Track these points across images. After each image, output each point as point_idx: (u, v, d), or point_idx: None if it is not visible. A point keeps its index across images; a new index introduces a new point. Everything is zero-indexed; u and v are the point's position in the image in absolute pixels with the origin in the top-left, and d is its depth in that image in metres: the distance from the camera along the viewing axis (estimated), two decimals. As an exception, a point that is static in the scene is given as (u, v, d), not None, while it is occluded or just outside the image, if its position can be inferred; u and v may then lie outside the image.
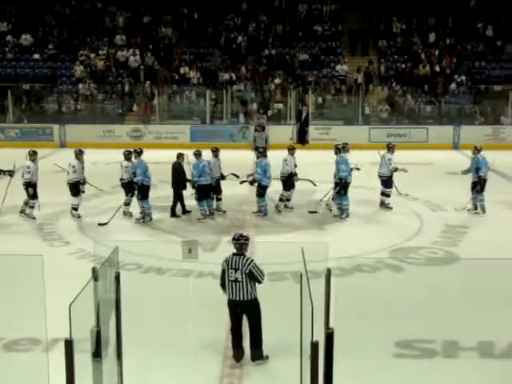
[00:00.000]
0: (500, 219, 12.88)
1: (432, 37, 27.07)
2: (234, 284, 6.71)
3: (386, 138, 22.46)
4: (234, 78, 25.22)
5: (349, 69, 25.98)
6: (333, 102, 24.88)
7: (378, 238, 11.61)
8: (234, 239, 6.91)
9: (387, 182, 13.43)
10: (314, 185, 13.84)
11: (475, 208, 13.12)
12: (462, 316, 7.57)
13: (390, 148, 13.54)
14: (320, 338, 4.43)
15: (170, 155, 13.10)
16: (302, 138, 22.84)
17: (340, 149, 12.88)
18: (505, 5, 27.68)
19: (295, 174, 13.30)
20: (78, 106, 24.95)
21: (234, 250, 6.84)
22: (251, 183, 12.89)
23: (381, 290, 8.45)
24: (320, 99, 24.67)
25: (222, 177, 13.21)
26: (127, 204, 12.91)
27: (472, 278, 8.14)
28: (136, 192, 12.48)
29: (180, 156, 13.01)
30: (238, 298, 6.73)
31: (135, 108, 24.87)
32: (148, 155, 13.21)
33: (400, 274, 9.44)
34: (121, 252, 5.60)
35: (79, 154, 12.97)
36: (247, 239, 6.90)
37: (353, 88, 24.68)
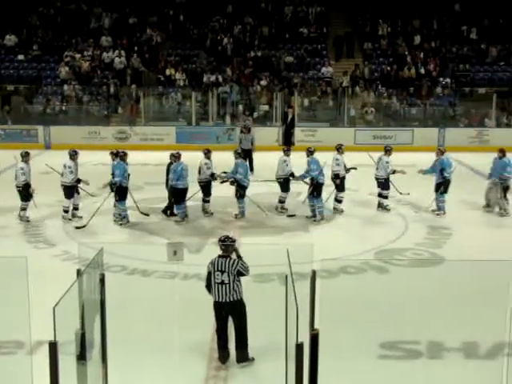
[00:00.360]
0: (484, 221, 12.98)
1: (417, 39, 27.21)
2: (220, 286, 6.71)
3: (371, 139, 22.60)
4: (219, 79, 25.20)
5: (334, 71, 26.04)
6: (318, 104, 24.92)
7: (362, 239, 11.65)
8: (220, 241, 6.91)
9: (384, 184, 13.45)
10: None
11: (438, 209, 13.24)
12: (447, 317, 7.62)
13: (388, 151, 13.57)
14: (305, 339, 4.44)
15: (156, 157, 13.08)
16: (287, 140, 22.85)
17: (312, 151, 12.97)
18: (488, 8, 27.91)
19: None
20: (63, 108, 24.81)
21: (220, 252, 6.84)
22: (232, 183, 12.86)
23: (366, 291, 8.48)
24: (306, 101, 24.71)
25: (213, 176, 13.12)
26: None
27: (456, 279, 8.19)
28: (114, 193, 12.37)
29: (173, 156, 12.98)
30: (224, 300, 6.73)
31: (120, 110, 24.76)
32: (134, 157, 13.18)
33: (385, 275, 9.47)
34: (106, 254, 5.58)
35: (74, 155, 12.75)
36: (233, 241, 6.91)
37: (338, 90, 24.75)
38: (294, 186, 13.59)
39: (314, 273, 4.56)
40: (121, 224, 12.35)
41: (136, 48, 26.67)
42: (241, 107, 24.45)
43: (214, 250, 10.68)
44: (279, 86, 24.92)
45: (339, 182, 13.23)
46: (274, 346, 6.08)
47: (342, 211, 13.37)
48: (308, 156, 12.86)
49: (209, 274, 6.83)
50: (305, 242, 10.17)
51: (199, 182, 13.09)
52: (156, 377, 6.51)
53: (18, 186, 12.48)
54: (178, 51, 27.24)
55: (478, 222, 12.94)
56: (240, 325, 6.80)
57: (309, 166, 12.77)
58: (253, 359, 6.82)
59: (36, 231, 12.10)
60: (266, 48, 26.86)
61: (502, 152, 13.40)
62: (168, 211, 12.94)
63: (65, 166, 12.66)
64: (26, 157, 12.68)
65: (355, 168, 13.54)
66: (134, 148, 19.65)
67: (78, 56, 26.20)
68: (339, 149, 13.44)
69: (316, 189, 12.65)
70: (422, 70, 25.72)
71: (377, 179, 13.53)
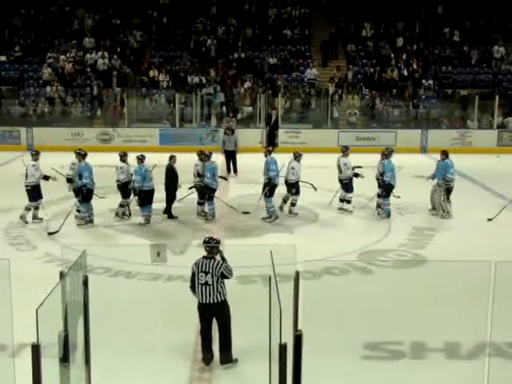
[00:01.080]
0: (466, 221, 13.07)
1: (400, 41, 27.38)
2: (204, 287, 6.71)
3: (354, 141, 22.68)
4: (203, 81, 25.19)
5: (320, 73, 26.13)
6: (302, 105, 24.99)
7: (346, 240, 11.69)
8: (204, 242, 6.92)
9: (346, 185, 13.43)
10: (315, 189, 13.77)
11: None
12: (430, 317, 7.67)
13: (344, 151, 13.58)
14: (289, 340, 4.45)
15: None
16: (271, 142, 22.89)
17: (271, 151, 13.03)
18: (470, 11, 28.19)
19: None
20: (46, 109, 24.67)
21: (205, 253, 6.84)
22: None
23: (349, 292, 8.51)
24: (289, 103, 24.77)
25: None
26: (122, 206, 12.89)
27: (439, 280, 8.24)
28: (80, 194, 12.32)
29: (172, 158, 13.02)
30: (208, 301, 6.73)
31: (104, 112, 24.65)
32: (117, 158, 13.14)
33: (368, 276, 9.51)
34: (89, 256, 5.56)
35: (83, 155, 12.65)
36: (217, 242, 6.91)
37: (322, 91, 24.83)
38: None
39: (297, 274, 4.57)
40: (84, 224, 12.31)
41: (118, 49, 26.59)
42: (224, 109, 24.44)
43: (198, 252, 10.68)
44: (263, 88, 24.96)
45: (346, 184, 13.34)
46: (258, 347, 6.08)
47: (351, 211, 13.42)
48: (266, 156, 12.92)
49: (193, 274, 6.83)
50: (288, 244, 10.19)
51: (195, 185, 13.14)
52: (140, 379, 6.49)
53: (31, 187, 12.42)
54: (161, 52, 27.20)
55: (460, 222, 13.03)
56: (224, 326, 6.81)
57: (266, 165, 12.81)
58: (236, 360, 6.83)
59: (17, 233, 12.01)
60: (249, 50, 26.89)
61: (445, 154, 13.25)
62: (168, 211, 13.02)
63: (30, 166, 12.49)
64: (36, 155, 12.69)
65: (360, 166, 13.54)
66: (118, 150, 19.54)
67: (60, 57, 26.06)
68: (344, 151, 13.52)
69: (270, 189, 12.69)
70: (405, 72, 25.87)
71: (339, 181, 13.46)
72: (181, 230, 12.43)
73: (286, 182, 13.02)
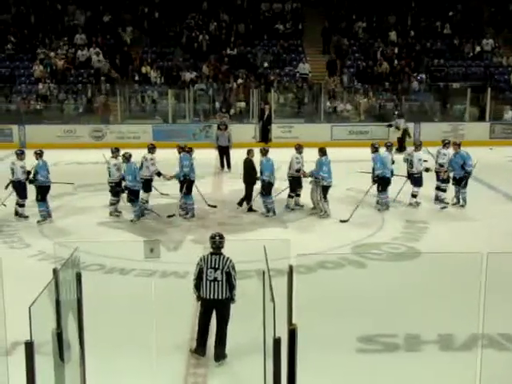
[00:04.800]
0: (459, 214, 13.11)
1: (392, 35, 27.37)
2: (212, 283, 6.73)
3: (347, 135, 22.70)
4: (196, 76, 25.13)
5: (314, 67, 26.14)
6: (295, 100, 24.97)
7: (340, 234, 11.70)
8: (211, 238, 6.93)
9: (417, 180, 13.41)
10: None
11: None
12: (423, 310, 7.70)
13: (417, 146, 13.68)
14: (283, 334, 4.46)
15: (133, 155, 12.95)
16: (264, 137, 22.88)
17: (266, 151, 12.93)
18: (461, 4, 28.27)
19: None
20: (38, 106, 24.57)
21: (211, 250, 6.86)
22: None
23: (343, 285, 8.54)
24: (282, 98, 24.75)
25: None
26: (113, 204, 12.92)
27: (432, 272, 8.28)
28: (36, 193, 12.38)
29: (250, 152, 13.09)
30: (215, 297, 6.75)
31: (96, 108, 24.57)
32: (110, 155, 13.11)
33: (362, 269, 9.54)
34: (83, 253, 5.55)
35: (117, 152, 12.94)
36: (222, 237, 6.95)
37: (314, 86, 24.82)
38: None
39: (291, 268, 4.58)
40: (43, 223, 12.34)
41: (105, 49, 26.46)
42: (217, 104, 24.41)
43: (192, 248, 10.73)
44: (255, 83, 24.93)
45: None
46: (253, 341, 6.10)
47: (419, 204, 13.47)
48: (262, 157, 12.87)
49: (200, 270, 6.83)
50: (282, 238, 10.20)
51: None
52: (135, 374, 6.50)
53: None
54: (153, 48, 27.11)
55: (454, 215, 13.06)
56: (224, 322, 6.83)
57: (261, 167, 12.81)
58: (226, 356, 6.85)
59: (10, 231, 11.98)
60: (242, 45, 26.84)
61: (321, 151, 12.86)
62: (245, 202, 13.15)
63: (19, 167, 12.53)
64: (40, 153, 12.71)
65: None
66: (110, 146, 19.51)
67: (52, 54, 25.95)
68: (418, 146, 13.66)
69: (265, 188, 12.72)
70: (397, 66, 25.88)
71: (288, 178, 13.33)
72: (174, 226, 12.41)
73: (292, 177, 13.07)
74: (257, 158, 13.08)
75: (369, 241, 11.25)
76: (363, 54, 26.82)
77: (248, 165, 13.13)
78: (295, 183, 13.23)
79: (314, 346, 5.81)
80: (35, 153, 12.61)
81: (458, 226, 12.35)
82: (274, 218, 12.73)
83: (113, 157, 13.01)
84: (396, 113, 23.08)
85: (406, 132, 21.46)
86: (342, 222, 12.39)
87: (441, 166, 13.41)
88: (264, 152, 12.89)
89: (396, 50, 26.54)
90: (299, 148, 13.31)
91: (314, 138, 21.16)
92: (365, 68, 25.97)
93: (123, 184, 12.53)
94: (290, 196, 13.33)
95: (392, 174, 13.39)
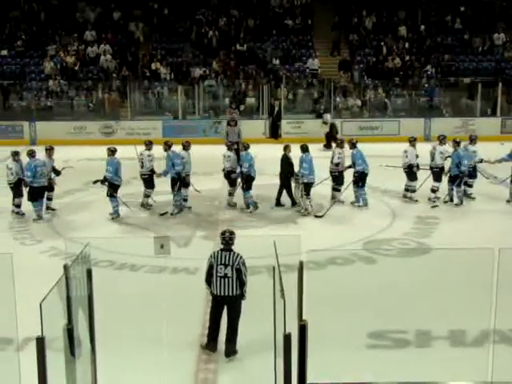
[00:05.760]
0: (470, 210, 13.05)
1: (402, 30, 27.23)
2: (222, 280, 6.75)
3: (358, 130, 22.60)
4: (206, 72, 25.11)
5: (326, 64, 26.07)
6: (305, 95, 24.91)
7: (350, 230, 11.69)
8: (222, 234, 6.94)
9: (437, 174, 13.36)
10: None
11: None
12: (434, 305, 7.67)
13: (441, 140, 13.55)
14: (294, 330, 4.46)
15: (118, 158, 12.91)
16: (274, 133, 22.85)
17: (246, 147, 13.01)
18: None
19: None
20: (48, 103, 24.63)
21: (222, 246, 6.87)
22: (102, 182, 12.53)
23: (354, 281, 8.52)
24: (291, 93, 24.70)
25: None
26: (148, 196, 13.07)
27: (443, 268, 8.24)
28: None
29: (287, 148, 13.07)
30: (225, 294, 6.76)
31: (106, 105, 24.60)
32: (120, 151, 13.12)
33: (373, 265, 9.52)
34: (93, 249, 5.57)
35: (150, 145, 13.17)
36: (233, 234, 6.98)
37: (324, 82, 24.75)
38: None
39: (301, 264, 4.57)
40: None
41: (121, 39, 26.49)
42: (227, 100, 24.39)
43: (201, 244, 10.75)
44: (265, 79, 24.88)
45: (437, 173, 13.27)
46: (263, 337, 6.10)
47: (438, 198, 13.35)
48: (242, 151, 12.93)
49: (210, 267, 6.83)
50: (292, 234, 10.19)
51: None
52: (145, 370, 6.52)
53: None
54: (163, 45, 27.11)
55: (464, 211, 13.00)
56: (235, 319, 6.84)
57: (242, 161, 12.87)
58: (237, 351, 6.86)
59: (22, 228, 12.03)
60: (251, 40, 26.78)
61: (302, 148, 12.71)
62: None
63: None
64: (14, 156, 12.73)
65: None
66: (121, 143, 19.56)
67: (62, 51, 26.00)
68: (442, 140, 13.55)
69: (247, 182, 12.73)
70: (408, 61, 25.75)
71: (430, 168, 13.47)
72: (184, 222, 12.43)
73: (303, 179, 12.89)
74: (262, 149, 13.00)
75: (379, 237, 11.22)
76: (373, 49, 26.71)
77: (284, 161, 13.06)
78: (336, 178, 13.28)
79: (324, 342, 5.80)
80: (27, 153, 12.55)
81: (469, 221, 12.29)
82: (283, 215, 12.69)
83: (146, 149, 13.08)
84: (322, 107, 23.00)
85: (333, 127, 21.04)
86: (316, 217, 12.38)
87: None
88: (305, 148, 12.75)
89: (406, 45, 26.40)
90: (341, 143, 13.47)
91: (323, 134, 21.16)
92: (374, 63, 25.86)
93: (106, 174, 12.39)
94: (334, 189, 13.39)
95: (418, 168, 13.40)
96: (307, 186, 12.50)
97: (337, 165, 13.15)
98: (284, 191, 13.10)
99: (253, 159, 12.90)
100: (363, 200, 13.10)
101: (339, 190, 13.37)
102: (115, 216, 12.45)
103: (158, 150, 13.27)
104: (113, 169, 12.30)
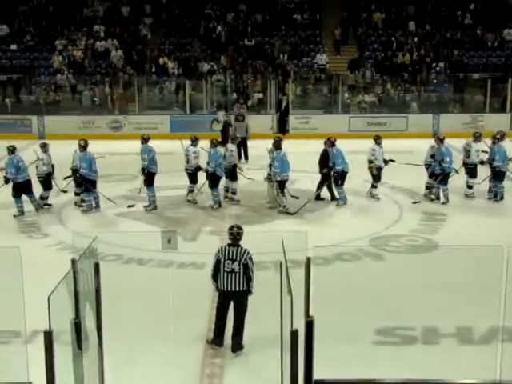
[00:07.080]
0: (477, 206, 13.00)
1: (411, 25, 27.13)
2: (229, 275, 6.75)
3: (366, 126, 22.56)
4: (214, 67, 25.10)
5: (335, 59, 26.01)
6: (313, 91, 24.87)
7: (357, 226, 11.66)
8: (229, 229, 6.95)
9: (471, 171, 13.46)
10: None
11: (437, 198, 13.19)
12: (442, 302, 7.64)
13: (477, 137, 13.60)
14: (300, 326, 4.45)
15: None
16: (282, 128, 22.84)
17: (215, 143, 12.88)
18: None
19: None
20: (57, 97, 24.68)
21: (229, 241, 6.87)
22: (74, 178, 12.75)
23: (361, 278, 8.50)
24: (299, 89, 24.66)
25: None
26: (191, 191, 13.15)
27: (451, 265, 8.21)
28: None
29: (326, 142, 13.11)
30: (232, 289, 6.76)
31: (114, 99, 24.63)
32: (128, 146, 13.16)
33: (380, 261, 9.49)
34: (101, 243, 5.58)
35: (196, 140, 13.13)
36: (241, 229, 6.96)
37: (333, 77, 24.70)
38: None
39: (308, 260, 4.56)
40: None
41: (129, 36, 26.50)
42: (235, 95, 24.38)
43: (209, 239, 10.75)
44: (273, 74, 24.85)
45: (376, 173, 13.29)
46: (270, 333, 6.09)
47: (473, 196, 13.44)
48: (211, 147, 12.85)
49: (217, 262, 6.84)
50: (299, 230, 10.18)
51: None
52: (152, 365, 6.53)
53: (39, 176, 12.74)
54: (171, 40, 27.10)
55: (472, 207, 12.96)
56: (241, 314, 6.85)
57: (209, 158, 12.78)
58: (243, 346, 6.87)
59: (29, 221, 12.07)
60: (259, 35, 26.75)
61: (274, 145, 12.58)
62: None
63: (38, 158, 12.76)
64: (44, 147, 12.88)
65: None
66: (129, 137, 19.64)
67: (70, 45, 26.05)
68: (477, 137, 13.61)
69: (212, 180, 12.69)
70: (417, 56, 25.66)
71: (465, 165, 13.56)
72: (192, 217, 12.44)
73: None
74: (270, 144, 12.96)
75: (386, 233, 11.20)
76: (382, 44, 26.62)
77: (324, 156, 13.08)
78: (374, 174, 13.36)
79: (332, 338, 5.80)
80: (7, 149, 12.51)
81: (476, 218, 12.25)
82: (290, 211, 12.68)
83: (192, 145, 13.07)
84: (215, 105, 22.96)
85: (227, 124, 20.36)
86: (289, 214, 12.30)
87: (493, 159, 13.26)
88: (277, 145, 12.60)
89: (416, 40, 26.30)
90: (378, 139, 13.40)
91: (331, 130, 21.10)
92: (383, 59, 25.78)
93: (80, 171, 12.41)
94: (372, 186, 13.49)
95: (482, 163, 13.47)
96: (281, 184, 12.34)
97: (370, 161, 13.23)
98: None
99: (221, 157, 12.78)
100: (343, 198, 13.01)
101: (375, 187, 13.50)
102: (87, 210, 12.50)
103: (164, 145, 13.24)
104: (87, 164, 12.36)
